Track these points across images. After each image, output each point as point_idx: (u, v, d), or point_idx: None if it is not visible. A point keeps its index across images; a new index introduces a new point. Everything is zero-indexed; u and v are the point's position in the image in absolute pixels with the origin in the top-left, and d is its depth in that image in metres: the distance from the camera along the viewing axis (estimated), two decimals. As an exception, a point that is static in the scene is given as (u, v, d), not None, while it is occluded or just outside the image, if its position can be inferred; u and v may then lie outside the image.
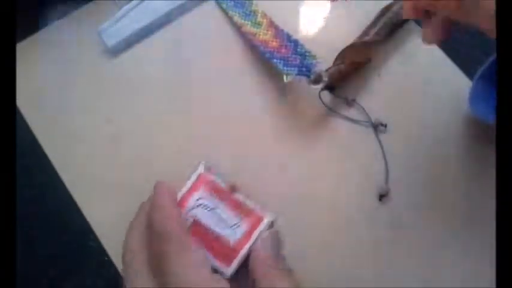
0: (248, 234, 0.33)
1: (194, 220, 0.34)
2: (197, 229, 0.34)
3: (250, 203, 0.34)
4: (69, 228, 0.39)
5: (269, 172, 0.40)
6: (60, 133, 0.41)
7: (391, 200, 0.39)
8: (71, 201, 0.39)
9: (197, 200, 0.35)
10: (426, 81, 0.42)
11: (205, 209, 0.34)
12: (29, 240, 0.38)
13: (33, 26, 0.45)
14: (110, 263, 0.38)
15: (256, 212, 0.33)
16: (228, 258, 0.33)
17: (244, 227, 0.33)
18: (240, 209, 0.34)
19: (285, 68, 0.40)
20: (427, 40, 0.34)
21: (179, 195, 0.34)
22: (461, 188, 0.39)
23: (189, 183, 0.35)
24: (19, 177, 0.37)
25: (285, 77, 0.39)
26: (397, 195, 0.39)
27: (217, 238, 0.33)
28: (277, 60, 0.40)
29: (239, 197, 0.34)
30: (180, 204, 0.34)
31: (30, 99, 0.42)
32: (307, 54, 0.40)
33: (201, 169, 0.35)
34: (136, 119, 0.41)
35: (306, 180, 0.39)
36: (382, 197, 0.38)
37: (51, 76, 0.43)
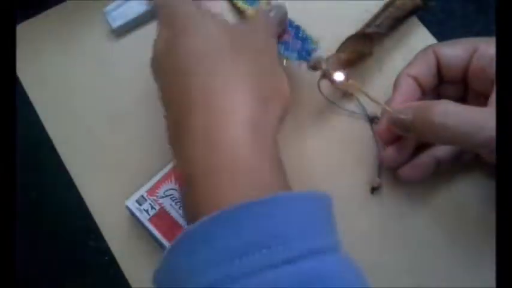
0: None
1: (161, 207, 0.36)
2: (162, 216, 0.36)
3: None
4: (70, 228, 0.39)
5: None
6: (61, 111, 0.42)
7: (383, 194, 0.39)
8: (72, 200, 0.40)
9: (167, 190, 0.37)
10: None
11: (173, 200, 0.37)
12: (29, 240, 0.39)
13: (39, 5, 0.45)
14: (110, 263, 0.38)
15: None
16: None
17: None
18: None
19: (285, 52, 0.39)
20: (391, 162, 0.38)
21: (152, 182, 0.37)
22: (454, 187, 0.39)
23: (162, 173, 0.37)
24: (21, 173, 0.38)
25: (284, 61, 0.39)
26: (389, 189, 0.39)
27: (179, 228, 0.36)
28: (278, 44, 0.40)
29: None
30: (152, 191, 0.37)
31: (34, 77, 0.43)
32: (308, 39, 0.40)
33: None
34: (137, 101, 0.42)
35: (297, 168, 0.40)
36: (374, 189, 0.39)
37: (55, 56, 0.44)
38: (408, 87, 0.37)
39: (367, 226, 0.38)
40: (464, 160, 0.38)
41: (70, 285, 0.38)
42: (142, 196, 0.37)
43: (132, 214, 0.37)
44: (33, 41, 0.44)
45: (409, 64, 0.38)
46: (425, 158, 0.37)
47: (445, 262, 0.37)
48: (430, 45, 0.38)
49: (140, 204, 0.37)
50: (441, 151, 0.37)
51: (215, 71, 0.30)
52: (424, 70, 0.37)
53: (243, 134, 0.28)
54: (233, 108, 0.29)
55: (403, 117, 0.34)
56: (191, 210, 0.29)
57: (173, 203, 0.37)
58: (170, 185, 0.37)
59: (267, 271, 0.24)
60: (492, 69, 0.34)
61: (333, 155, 0.40)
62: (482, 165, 0.39)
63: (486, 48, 0.35)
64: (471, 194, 0.39)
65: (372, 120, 0.41)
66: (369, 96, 0.37)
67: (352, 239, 0.38)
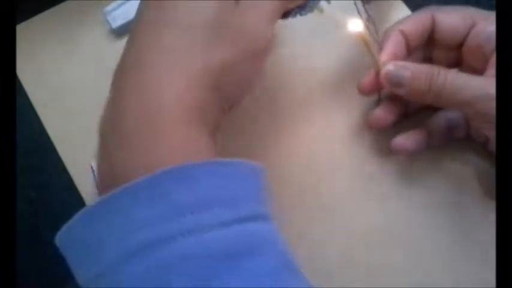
0: None
1: None
2: None
3: None
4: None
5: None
6: (61, 111, 0.42)
7: (383, 194, 0.39)
8: (72, 200, 0.39)
9: None
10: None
11: None
12: (29, 240, 0.39)
13: (38, 6, 0.45)
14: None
15: None
16: None
17: None
18: None
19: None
20: (376, 123, 0.38)
21: None
22: (455, 188, 0.39)
23: None
24: (21, 173, 0.38)
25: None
26: (389, 190, 0.39)
27: None
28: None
29: None
30: None
31: (33, 77, 0.43)
32: None
33: None
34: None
35: (295, 166, 0.40)
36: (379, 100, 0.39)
37: (55, 56, 0.44)
38: (396, 42, 0.37)
39: (367, 226, 0.38)
40: (455, 135, 0.39)
41: (70, 285, 0.38)
42: None
43: (93, 175, 0.37)
44: (33, 41, 0.44)
45: (403, 20, 0.38)
46: (418, 129, 0.38)
47: (445, 262, 0.37)
48: (430, 8, 0.38)
49: None
50: (433, 124, 0.38)
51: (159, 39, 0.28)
52: (416, 29, 0.37)
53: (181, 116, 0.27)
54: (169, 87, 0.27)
55: (403, 73, 0.35)
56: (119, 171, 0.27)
57: None
58: None
59: (219, 228, 0.24)
60: (488, 47, 0.35)
61: (332, 155, 0.40)
62: (484, 164, 0.39)
63: (485, 25, 0.35)
64: (472, 196, 0.39)
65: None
66: (368, 45, 0.37)
67: (352, 240, 0.38)
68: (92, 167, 0.37)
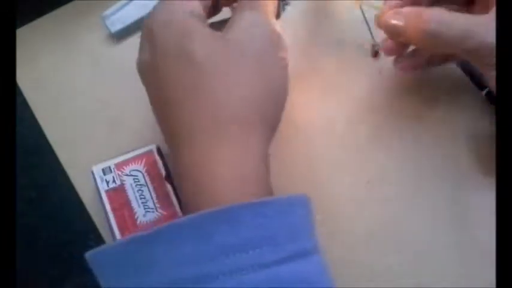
0: (156, 223, 0.36)
1: (121, 184, 0.37)
2: (119, 193, 0.37)
3: (175, 200, 0.36)
4: (70, 228, 0.39)
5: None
6: (60, 116, 0.42)
7: (383, 195, 0.39)
8: (71, 200, 0.40)
9: (134, 170, 0.38)
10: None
11: (135, 181, 0.37)
12: (29, 240, 0.39)
13: (37, 10, 0.45)
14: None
15: (175, 210, 0.36)
16: (128, 232, 0.36)
17: (156, 215, 0.36)
18: (164, 199, 0.36)
19: None
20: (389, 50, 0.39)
21: (123, 158, 0.38)
22: (454, 188, 0.39)
23: (135, 153, 0.38)
24: (20, 173, 0.39)
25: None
26: (389, 191, 0.39)
27: (129, 210, 0.36)
28: None
29: (170, 189, 0.37)
30: (120, 166, 0.38)
31: (33, 82, 0.43)
32: None
33: (151, 148, 0.38)
34: (136, 105, 0.42)
35: (293, 169, 0.40)
36: (376, 53, 0.40)
37: (54, 60, 0.44)
38: None
39: (367, 227, 0.38)
40: (451, 60, 0.40)
41: (70, 285, 0.38)
42: (109, 167, 0.38)
43: (94, 180, 0.37)
44: (33, 45, 0.44)
45: None
46: (418, 52, 0.39)
47: (446, 263, 0.37)
48: None
49: (104, 174, 0.37)
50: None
51: (199, 104, 0.29)
52: None
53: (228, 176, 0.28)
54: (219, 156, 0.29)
55: (395, 22, 0.35)
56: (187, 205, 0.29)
57: (134, 184, 0.37)
58: (138, 167, 0.38)
59: (258, 270, 0.25)
60: None
61: (332, 158, 0.40)
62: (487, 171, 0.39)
63: None
64: (473, 198, 0.39)
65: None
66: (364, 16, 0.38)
67: (353, 241, 0.38)
68: (92, 172, 0.38)
